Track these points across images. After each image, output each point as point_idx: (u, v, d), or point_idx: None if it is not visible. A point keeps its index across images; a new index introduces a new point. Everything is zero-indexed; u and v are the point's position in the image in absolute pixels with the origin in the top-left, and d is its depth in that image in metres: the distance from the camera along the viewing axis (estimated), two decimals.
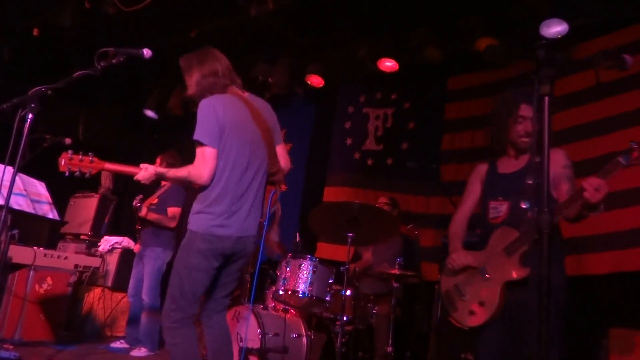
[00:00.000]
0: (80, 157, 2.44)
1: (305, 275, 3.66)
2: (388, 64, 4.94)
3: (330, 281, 3.75)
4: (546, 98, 1.31)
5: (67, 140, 4.27)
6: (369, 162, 5.45)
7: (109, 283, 5.41)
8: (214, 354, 2.51)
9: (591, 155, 3.97)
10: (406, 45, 4.81)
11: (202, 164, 2.37)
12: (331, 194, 5.48)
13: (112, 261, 5.49)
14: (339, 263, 3.80)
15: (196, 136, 2.38)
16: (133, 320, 4.69)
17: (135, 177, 2.43)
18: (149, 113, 6.63)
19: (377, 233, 3.61)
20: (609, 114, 4.01)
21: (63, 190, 5.54)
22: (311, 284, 3.64)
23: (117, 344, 4.72)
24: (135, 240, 5.08)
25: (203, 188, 2.42)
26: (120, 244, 5.60)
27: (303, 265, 3.68)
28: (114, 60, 2.65)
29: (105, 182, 6.58)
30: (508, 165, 2.44)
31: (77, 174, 2.44)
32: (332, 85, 5.54)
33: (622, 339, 3.21)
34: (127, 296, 4.81)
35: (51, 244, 5.65)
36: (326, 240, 4.92)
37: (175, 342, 2.32)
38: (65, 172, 2.45)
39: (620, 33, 4.06)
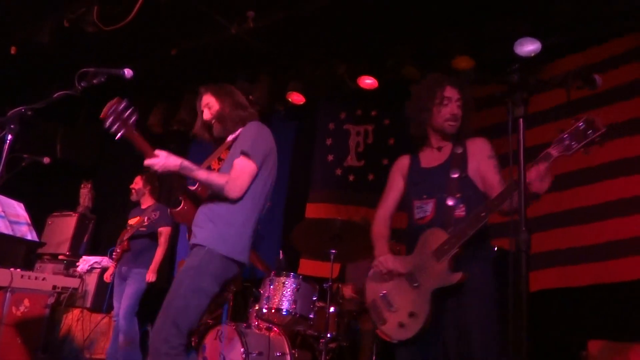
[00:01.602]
0: (127, 113, 2.26)
1: (288, 292, 3.65)
2: (368, 82, 5.01)
3: (314, 298, 3.75)
4: (521, 120, 1.36)
5: (46, 160, 4.24)
6: (351, 178, 5.49)
7: (88, 304, 5.31)
8: None
9: (566, 170, 4.08)
10: (385, 63, 4.89)
11: (242, 178, 2.27)
12: (313, 210, 5.49)
13: (91, 281, 5.40)
14: (322, 280, 3.81)
15: (247, 148, 2.29)
16: (116, 341, 4.62)
17: (149, 162, 2.22)
18: None
19: (360, 249, 3.64)
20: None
21: (41, 209, 5.47)
22: (295, 301, 3.64)
23: None
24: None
25: (224, 203, 2.30)
26: (99, 263, 5.51)
27: (287, 282, 3.68)
28: (94, 81, 2.65)
29: (84, 200, 6.49)
30: (430, 157, 2.29)
31: (111, 126, 2.24)
32: (313, 103, 5.59)
33: (601, 350, 3.26)
34: (113, 316, 4.74)
35: (28, 265, 5.51)
36: (309, 257, 4.92)
37: None
38: (105, 120, 2.25)
39: (590, 51, 4.20)
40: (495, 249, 3.04)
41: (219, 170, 2.48)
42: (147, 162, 2.24)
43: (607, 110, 4.07)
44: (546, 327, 3.65)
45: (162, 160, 2.22)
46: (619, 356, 3.19)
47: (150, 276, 4.53)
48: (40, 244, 5.49)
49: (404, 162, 2.39)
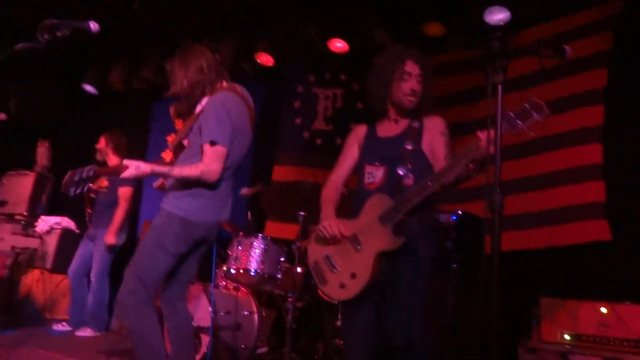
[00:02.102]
0: (84, 175, 2.31)
1: (257, 253, 3.70)
2: (338, 45, 4.98)
3: (282, 259, 3.81)
4: (499, 86, 1.40)
5: (1, 116, 4.07)
6: (318, 141, 5.50)
7: (48, 265, 5.21)
8: (178, 347, 2.44)
9: (522, 140, 4.23)
10: (356, 27, 4.86)
11: (216, 163, 2.32)
12: (280, 173, 5.50)
13: (51, 242, 5.29)
14: (288, 241, 3.86)
15: (212, 136, 2.32)
16: (76, 302, 4.58)
17: (124, 176, 2.28)
18: (89, 88, 6.33)
19: None
20: (549, 98, 4.29)
21: None
22: (263, 262, 3.69)
23: (58, 327, 4.59)
24: (78, 221, 4.92)
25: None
26: (59, 224, 5.39)
27: (255, 243, 3.72)
28: (58, 33, 2.53)
29: (42, 159, 6.26)
30: (388, 128, 2.32)
31: (76, 192, 2.30)
32: (282, 65, 5.52)
33: (551, 306, 3.47)
34: (68, 277, 4.68)
35: None
36: (276, 219, 4.96)
37: (137, 323, 2.25)
38: (68, 194, 2.31)
39: (559, 22, 4.29)
40: (460, 212, 3.18)
41: (187, 144, 2.53)
42: (122, 176, 2.28)
43: (568, 81, 4.22)
44: (502, 287, 3.84)
45: (133, 171, 2.27)
46: (567, 311, 3.41)
47: (109, 238, 4.47)
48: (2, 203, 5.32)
49: (361, 130, 2.42)
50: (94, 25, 2.54)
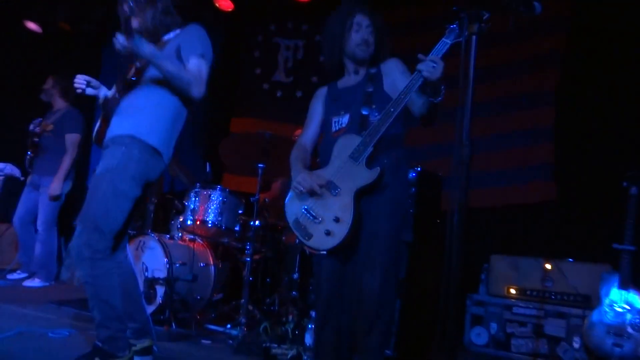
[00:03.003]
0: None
1: (214, 205, 3.63)
2: None
3: (240, 212, 3.77)
4: (474, 37, 1.37)
5: None
6: (278, 94, 5.39)
7: None
8: (126, 296, 2.30)
9: (500, 94, 4.31)
10: None
11: (203, 78, 2.25)
12: (238, 125, 5.38)
13: None
14: (247, 194, 3.81)
15: (203, 50, 2.27)
16: (25, 250, 4.47)
17: (119, 45, 2.14)
18: (32, 26, 5.89)
19: (288, 165, 3.64)
20: (510, 59, 4.34)
21: None
22: (220, 214, 3.64)
23: (13, 275, 4.50)
24: (23, 167, 4.67)
25: (154, 95, 2.28)
26: (2, 171, 5.12)
27: (212, 195, 3.65)
28: None
29: None
30: (347, 80, 2.35)
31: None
32: (241, 10, 5.29)
33: (501, 262, 3.62)
34: (13, 226, 4.50)
35: None
36: (234, 171, 4.87)
37: (95, 273, 2.14)
38: None
39: None
40: (419, 169, 3.21)
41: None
42: (116, 45, 2.15)
43: (529, 43, 4.28)
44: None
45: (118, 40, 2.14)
46: (514, 267, 3.57)
47: (54, 188, 4.28)
48: None
49: (322, 91, 2.44)
50: None
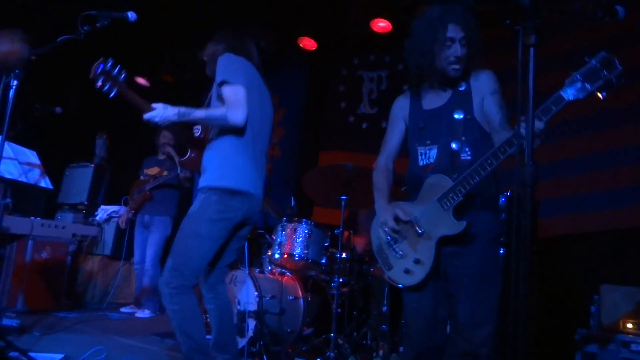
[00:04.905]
0: (116, 71, 2.28)
1: (300, 238, 3.69)
2: (381, 25, 4.86)
3: (326, 244, 3.78)
4: (532, 49, 1.27)
5: (57, 109, 4.25)
6: (363, 125, 5.42)
7: (108, 251, 5.47)
8: (220, 327, 2.45)
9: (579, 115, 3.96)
10: (399, 5, 4.71)
11: (238, 102, 2.22)
12: (326, 158, 5.47)
13: (110, 230, 5.55)
14: (334, 226, 3.82)
15: (224, 76, 2.25)
16: (141, 285, 4.92)
17: (148, 116, 2.21)
18: (140, 80, 6.54)
19: (371, 195, 3.61)
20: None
21: (56, 160, 5.54)
22: (307, 247, 3.68)
23: (126, 309, 4.95)
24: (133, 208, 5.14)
25: (220, 139, 2.32)
26: (117, 212, 5.63)
27: (298, 229, 3.71)
28: (97, 24, 2.60)
29: (100, 151, 6.55)
30: (433, 98, 2.14)
31: (103, 86, 2.27)
32: (324, 48, 5.45)
33: (610, 293, 3.24)
34: (134, 264, 5.02)
35: (49, 214, 5.68)
36: (321, 204, 4.93)
37: (175, 309, 2.25)
38: (96, 81, 2.27)
39: None
40: (509, 193, 3.02)
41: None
42: (146, 116, 2.23)
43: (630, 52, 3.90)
44: (560, 273, 3.64)
45: (160, 111, 2.21)
46: (631, 299, 3.18)
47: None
48: (56, 193, 5.63)
49: (403, 103, 2.25)
50: (132, 15, 2.60)
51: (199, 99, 6.49)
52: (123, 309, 4.93)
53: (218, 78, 2.29)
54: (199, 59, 6.03)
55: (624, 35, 3.82)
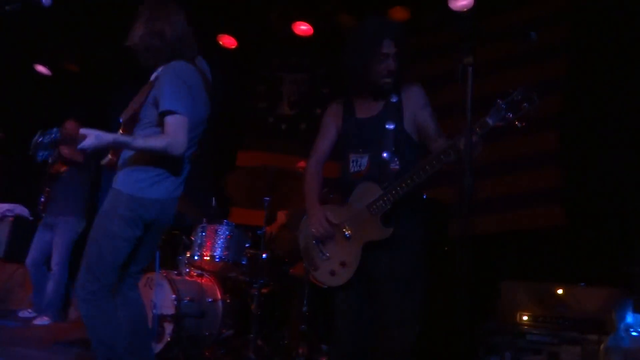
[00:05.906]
0: (52, 140, 2.25)
1: (221, 240, 3.63)
2: (302, 28, 4.91)
3: (247, 245, 3.76)
4: (470, 68, 1.39)
5: None
6: (282, 126, 5.45)
7: (1, 253, 5.01)
8: (133, 334, 2.31)
9: None
10: (320, 10, 4.79)
11: (180, 135, 2.15)
12: (244, 158, 5.43)
13: (3, 230, 5.08)
14: (254, 227, 3.81)
15: (171, 106, 2.15)
16: (38, 290, 4.51)
17: (82, 146, 2.09)
18: (41, 68, 6.03)
19: (293, 197, 3.66)
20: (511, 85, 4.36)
21: None
22: (227, 248, 3.63)
23: (25, 314, 4.53)
24: (34, 208, 4.74)
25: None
26: (12, 211, 5.17)
27: (219, 230, 3.65)
28: (6, 7, 2.40)
29: None
30: (366, 108, 2.23)
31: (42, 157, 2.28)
32: (244, 48, 5.40)
33: (510, 289, 3.54)
34: (26, 265, 4.54)
35: None
36: (241, 205, 4.88)
37: (91, 315, 2.14)
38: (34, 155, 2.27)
39: (523, 9, 4.35)
40: (424, 196, 3.20)
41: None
42: (80, 146, 2.11)
43: (529, 69, 4.30)
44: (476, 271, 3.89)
45: (93, 140, 2.10)
46: (526, 293, 3.49)
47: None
48: None
49: (337, 110, 2.32)
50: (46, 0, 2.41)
51: (106, 91, 6.15)
52: (21, 314, 4.50)
53: (162, 103, 2.17)
54: (109, 46, 5.68)
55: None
